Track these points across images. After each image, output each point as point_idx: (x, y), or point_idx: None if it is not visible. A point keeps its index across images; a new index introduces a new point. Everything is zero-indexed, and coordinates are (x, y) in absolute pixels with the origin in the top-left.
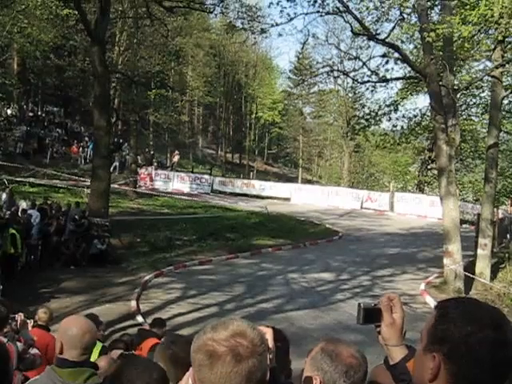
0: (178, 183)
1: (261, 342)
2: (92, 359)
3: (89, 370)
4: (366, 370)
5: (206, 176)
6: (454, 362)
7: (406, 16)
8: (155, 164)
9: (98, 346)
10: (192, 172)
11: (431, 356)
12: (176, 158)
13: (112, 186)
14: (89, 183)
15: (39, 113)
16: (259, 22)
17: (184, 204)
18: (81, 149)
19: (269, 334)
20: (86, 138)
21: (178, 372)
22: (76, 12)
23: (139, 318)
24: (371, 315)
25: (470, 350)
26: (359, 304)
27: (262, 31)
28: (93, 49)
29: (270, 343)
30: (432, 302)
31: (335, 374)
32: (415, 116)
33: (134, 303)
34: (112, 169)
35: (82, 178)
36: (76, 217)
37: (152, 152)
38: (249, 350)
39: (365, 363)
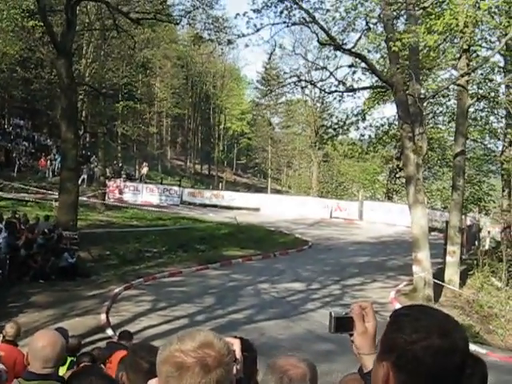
0: (147, 195)
1: (228, 352)
2: (61, 373)
3: (55, 383)
4: (312, 377)
5: (175, 187)
6: (401, 370)
7: (372, 26)
8: (124, 176)
9: (68, 359)
10: (161, 183)
11: (382, 364)
12: (145, 170)
13: (80, 198)
14: (57, 196)
15: (6, 126)
16: (226, 33)
17: (153, 216)
18: (48, 162)
19: (236, 345)
20: (54, 151)
21: (139, 380)
22: (42, 24)
23: (109, 331)
24: (343, 324)
25: (415, 358)
26: (330, 313)
27: (229, 42)
28: (59, 61)
29: (238, 354)
30: None
31: (271, 382)
32: (382, 125)
33: (103, 316)
34: (80, 181)
35: (50, 191)
36: (45, 230)
37: (120, 164)
38: (216, 360)
39: (311, 372)
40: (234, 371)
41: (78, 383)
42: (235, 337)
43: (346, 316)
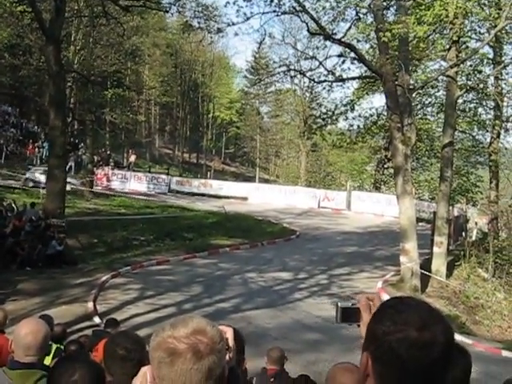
0: (135, 183)
1: (220, 339)
2: (47, 361)
3: (39, 372)
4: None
5: (163, 176)
6: (378, 361)
7: (361, 16)
8: (112, 164)
9: (54, 347)
10: (149, 172)
11: (363, 354)
12: (132, 158)
13: (68, 186)
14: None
15: None
16: (216, 22)
17: (141, 204)
18: (36, 149)
19: (229, 333)
20: (42, 138)
21: (115, 366)
22: (31, 10)
23: (96, 319)
24: (349, 314)
25: (391, 350)
26: (337, 303)
27: (219, 30)
28: (48, 48)
29: (231, 342)
30: None
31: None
32: (371, 115)
33: (91, 304)
34: (68, 169)
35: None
36: (33, 217)
37: (108, 152)
38: (209, 347)
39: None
40: (227, 359)
41: (62, 370)
42: (229, 325)
43: (352, 307)
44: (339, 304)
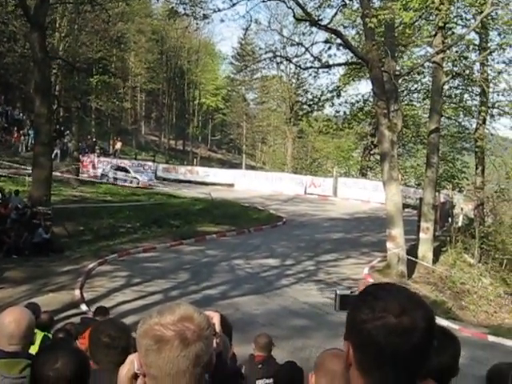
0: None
1: (207, 326)
2: (34, 349)
3: (24, 361)
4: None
5: (150, 163)
6: (358, 348)
7: (348, 2)
8: (97, 151)
9: (40, 335)
10: (135, 159)
11: (345, 342)
12: (118, 145)
13: (54, 173)
14: (30, 171)
15: None
16: (201, 8)
17: (127, 191)
18: (22, 136)
19: (216, 319)
20: (27, 126)
21: (99, 353)
22: None
23: (83, 307)
24: (348, 302)
25: (369, 337)
26: (336, 291)
27: (205, 17)
28: (32, 34)
29: (218, 328)
30: None
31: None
32: (358, 101)
33: (77, 292)
34: (53, 156)
35: (23, 166)
36: (19, 205)
37: (94, 139)
38: (196, 334)
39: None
40: (214, 345)
41: (45, 358)
42: (215, 311)
43: (351, 295)
44: (338, 292)
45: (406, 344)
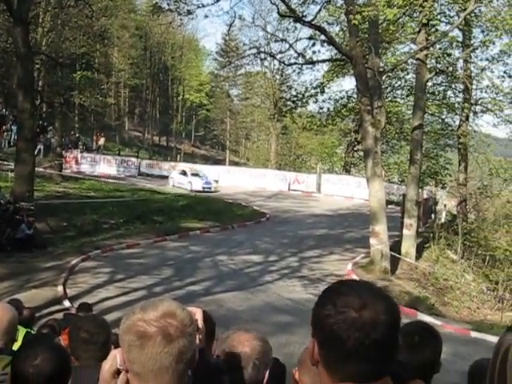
0: (105, 166)
1: (190, 322)
2: (17, 346)
3: (7, 358)
4: (260, 357)
5: (133, 159)
6: (322, 344)
7: None
8: (81, 147)
9: (22, 331)
10: (118, 155)
11: (310, 339)
12: (102, 141)
13: (37, 169)
14: (13, 167)
15: None
16: (185, 4)
17: (111, 187)
18: (4, 132)
19: (198, 315)
20: (10, 121)
21: (78, 349)
22: None
23: (66, 303)
24: None
25: (331, 332)
26: None
27: (189, 12)
28: (15, 29)
29: (200, 324)
30: None
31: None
32: (341, 98)
33: (60, 288)
34: (36, 152)
35: (5, 162)
36: (1, 201)
37: (77, 135)
38: (179, 330)
39: (258, 353)
40: (197, 341)
41: (24, 354)
42: (198, 307)
43: None
44: None
45: (367, 338)
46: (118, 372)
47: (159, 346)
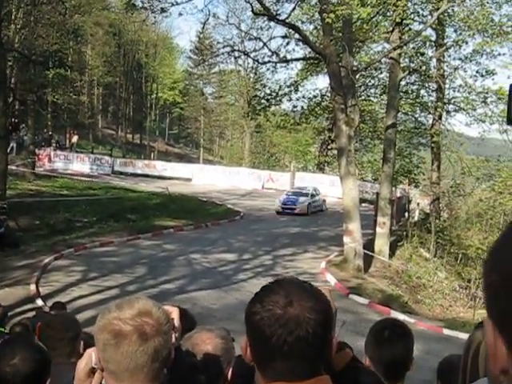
0: (78, 164)
1: (166, 321)
2: None
3: None
4: (223, 354)
5: (107, 157)
6: (252, 342)
7: None
8: (54, 145)
9: None
10: (92, 153)
11: (243, 339)
12: (75, 139)
13: (9, 167)
14: None
15: None
16: (159, 1)
17: (84, 185)
18: None
19: (175, 314)
20: None
21: (50, 350)
22: None
23: (39, 302)
24: None
25: (257, 328)
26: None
27: (163, 10)
28: None
29: (176, 322)
30: (332, 280)
31: None
32: (315, 96)
33: (33, 287)
34: (9, 150)
35: None
36: None
37: (50, 132)
38: (154, 328)
39: (220, 350)
40: (173, 339)
41: (2, 352)
42: (174, 305)
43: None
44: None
45: (290, 335)
46: (93, 371)
47: (135, 345)
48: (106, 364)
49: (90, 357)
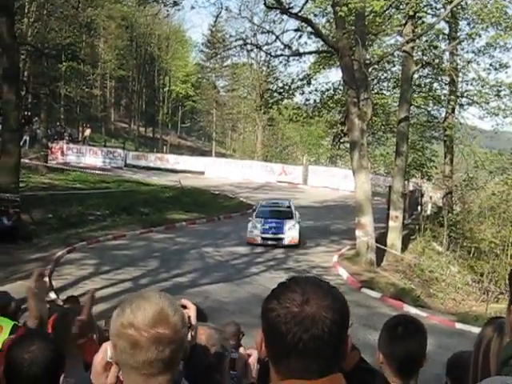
0: (91, 157)
1: (182, 324)
2: (2, 338)
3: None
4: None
5: (119, 150)
6: (267, 338)
7: None
8: (67, 138)
9: (9, 324)
10: (104, 146)
11: (258, 333)
12: (87, 132)
13: (22, 160)
14: None
15: None
16: None
17: (97, 179)
18: None
19: (192, 312)
20: None
21: (63, 345)
22: None
23: (52, 295)
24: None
25: (273, 325)
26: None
27: (175, 3)
28: (1, 19)
29: (193, 321)
30: (345, 274)
31: None
32: (328, 90)
33: (46, 280)
34: (22, 143)
35: None
36: None
37: (63, 126)
38: (171, 337)
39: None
40: (189, 338)
41: (20, 341)
42: (191, 302)
43: None
44: None
45: (305, 333)
46: (109, 364)
47: (152, 354)
48: (122, 367)
49: (105, 351)
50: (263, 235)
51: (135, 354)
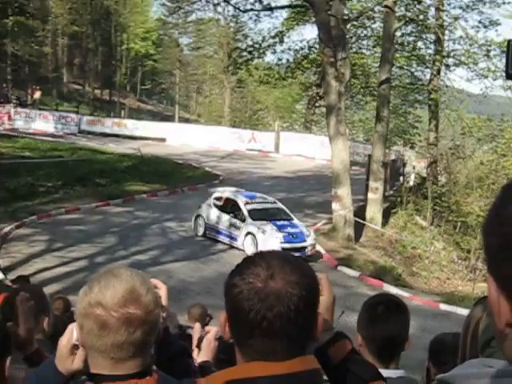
0: (41, 123)
1: (155, 305)
2: None
3: None
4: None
5: (73, 115)
6: (230, 317)
7: None
8: (14, 101)
9: None
10: (56, 110)
11: (222, 314)
12: (37, 95)
13: None
14: None
15: None
16: None
17: (48, 146)
18: None
19: (163, 291)
20: None
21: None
22: None
23: None
24: None
25: (235, 302)
26: None
27: None
28: None
29: (164, 301)
30: (320, 251)
31: None
32: (302, 48)
33: None
34: None
35: None
36: None
37: (10, 88)
38: (143, 318)
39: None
40: (161, 320)
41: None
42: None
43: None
44: None
45: (269, 310)
46: (75, 347)
47: (121, 337)
48: (89, 350)
49: (71, 333)
50: (284, 245)
51: (103, 336)
